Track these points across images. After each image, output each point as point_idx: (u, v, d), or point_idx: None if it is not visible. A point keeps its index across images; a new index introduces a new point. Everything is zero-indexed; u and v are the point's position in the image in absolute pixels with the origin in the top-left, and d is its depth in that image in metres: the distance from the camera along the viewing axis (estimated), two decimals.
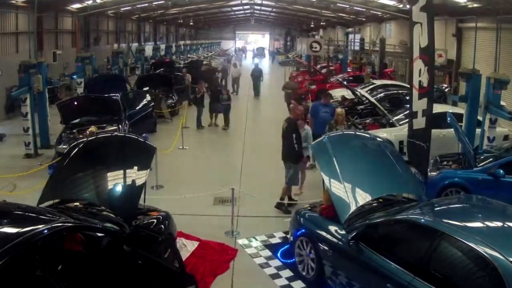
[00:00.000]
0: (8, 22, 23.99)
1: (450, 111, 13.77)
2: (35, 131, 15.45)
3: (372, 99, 18.15)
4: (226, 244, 9.38)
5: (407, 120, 14.37)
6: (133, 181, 7.75)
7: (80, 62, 23.03)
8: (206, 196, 11.37)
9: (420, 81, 10.17)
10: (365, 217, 7.55)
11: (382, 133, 14.09)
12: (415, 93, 10.41)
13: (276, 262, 8.80)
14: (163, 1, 36.99)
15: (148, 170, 8.14)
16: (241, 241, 9.59)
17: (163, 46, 49.85)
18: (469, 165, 11.23)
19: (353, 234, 7.17)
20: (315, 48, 31.24)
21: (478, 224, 6.49)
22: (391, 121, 15.91)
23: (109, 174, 7.88)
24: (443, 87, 23.64)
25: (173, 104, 22.46)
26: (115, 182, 7.78)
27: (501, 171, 10.53)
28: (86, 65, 23.21)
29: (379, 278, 6.51)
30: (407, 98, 18.00)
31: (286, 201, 11.15)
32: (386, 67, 33.64)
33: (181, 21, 56.99)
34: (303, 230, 8.37)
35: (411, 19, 10.40)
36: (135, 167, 7.95)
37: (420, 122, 10.28)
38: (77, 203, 7.94)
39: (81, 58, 23.53)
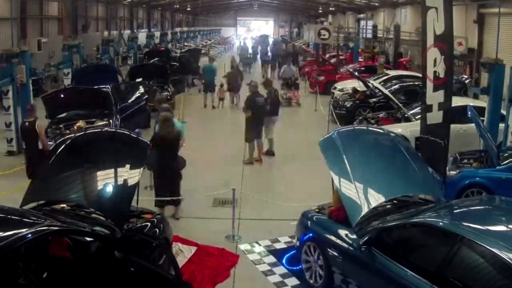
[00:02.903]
0: None
1: (471, 104, 13.74)
2: (18, 126, 15.44)
3: (386, 91, 18.16)
4: (226, 250, 9.38)
5: None
6: (125, 180, 7.74)
7: (67, 51, 23.05)
8: (205, 197, 11.38)
9: (435, 72, 10.10)
10: (378, 220, 7.54)
11: (397, 129, 14.08)
12: (430, 84, 10.34)
13: (281, 269, 8.79)
14: None
15: (142, 168, 8.14)
16: (243, 246, 9.59)
17: (157, 34, 49.87)
18: (491, 163, 11.20)
19: (365, 239, 7.16)
20: (324, 35, 31.24)
21: (501, 228, 6.48)
22: (406, 115, 15.91)
23: (98, 173, 7.87)
24: (463, 78, 23.62)
25: (168, 97, 22.43)
26: (106, 182, 7.77)
27: None
28: (73, 54, 23.24)
29: (394, 287, 6.50)
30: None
31: None
32: (401, 56, 33.60)
33: (177, 6, 57.07)
34: (311, 235, 8.36)
35: (423, 4, 10.31)
36: (127, 166, 7.95)
37: (436, 117, 10.23)
38: (64, 205, 7.93)
39: (68, 46, 23.55)
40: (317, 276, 8.11)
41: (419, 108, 15.73)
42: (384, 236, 7.13)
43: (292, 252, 9.18)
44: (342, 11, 56.87)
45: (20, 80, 15.35)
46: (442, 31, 9.82)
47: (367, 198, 7.67)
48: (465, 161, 11.95)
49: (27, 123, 12.05)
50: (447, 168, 10.84)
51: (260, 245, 9.66)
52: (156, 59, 29.42)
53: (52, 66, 27.52)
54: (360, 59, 35.02)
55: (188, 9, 61.96)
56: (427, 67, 10.32)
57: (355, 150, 8.54)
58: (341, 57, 36.05)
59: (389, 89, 19.30)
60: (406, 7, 38.53)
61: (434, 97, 10.19)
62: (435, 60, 10.04)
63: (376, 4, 43.91)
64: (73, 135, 9.14)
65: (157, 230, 8.19)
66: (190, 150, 16.28)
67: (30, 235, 5.47)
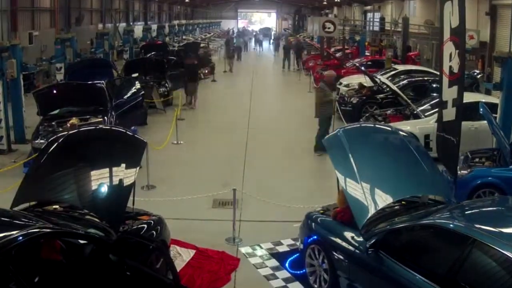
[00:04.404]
0: None
1: (483, 100, 13.72)
2: (8, 123, 15.45)
3: (394, 87, 18.13)
4: (226, 253, 9.38)
5: (433, 111, 14.38)
6: (121, 180, 7.74)
7: (59, 44, 23.06)
8: (204, 198, 11.37)
9: (450, 67, 10.14)
10: (386, 222, 7.54)
11: (405, 126, 14.04)
12: (446, 80, 10.38)
13: (284, 273, 8.78)
14: None
15: (138, 168, 8.14)
16: (244, 249, 9.59)
17: (154, 27, 50.00)
18: (504, 162, 11.18)
19: (372, 242, 7.16)
20: (329, 28, 31.26)
21: None
22: (415, 112, 15.88)
23: (93, 172, 7.87)
24: (475, 73, 23.56)
25: (166, 93, 22.45)
26: (100, 182, 7.77)
27: None
28: (66, 48, 23.26)
29: None
30: (434, 85, 18.08)
31: None
32: (410, 50, 33.53)
33: None
34: (315, 237, 8.36)
35: None
36: (123, 165, 7.94)
37: (450, 113, 10.26)
38: (56, 206, 7.93)
39: (61, 40, 23.55)
40: (321, 281, 8.11)
41: (429, 104, 15.82)
42: (392, 238, 7.13)
43: (295, 255, 9.17)
44: (348, 3, 56.88)
45: (11, 75, 15.36)
46: (457, 24, 9.85)
47: (374, 199, 7.66)
48: (477, 160, 11.91)
49: None
50: (458, 167, 10.85)
51: (262, 248, 9.65)
52: (153, 53, 29.49)
53: (44, 60, 27.53)
54: (366, 53, 34.98)
55: (187, 0, 62.00)
56: (443, 62, 10.36)
57: (361, 149, 8.53)
58: (347, 51, 36.02)
59: (397, 85, 19.27)
60: None
61: (449, 93, 10.24)
62: (450, 55, 10.08)
63: None
64: (66, 132, 9.14)
65: (154, 233, 8.19)
66: (187, 147, 16.35)
67: (21, 238, 5.47)
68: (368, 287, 7.25)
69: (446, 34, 10.25)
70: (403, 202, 8.40)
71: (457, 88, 10.00)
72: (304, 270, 8.56)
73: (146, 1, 57.83)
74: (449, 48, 10.17)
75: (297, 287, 8.38)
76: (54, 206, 7.92)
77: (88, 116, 14.62)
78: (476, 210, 7.45)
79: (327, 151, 8.58)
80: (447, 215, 7.12)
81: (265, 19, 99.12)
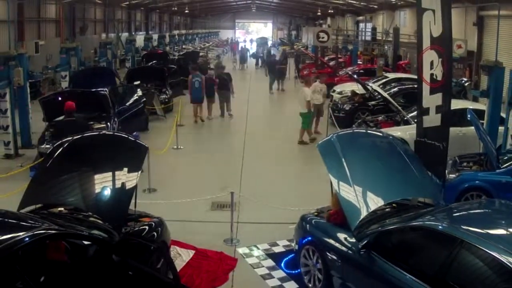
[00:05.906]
0: None
1: (471, 107, 13.75)
2: (15, 129, 15.44)
3: (385, 94, 18.19)
4: (224, 253, 9.37)
5: None
6: (123, 184, 7.75)
7: (64, 53, 23.07)
8: (203, 201, 11.36)
9: (432, 74, 10.06)
10: (377, 223, 7.54)
11: (396, 132, 14.09)
12: (426, 87, 10.29)
13: (280, 273, 8.78)
14: None
15: (140, 172, 8.14)
16: (241, 250, 9.58)
17: (155, 36, 49.99)
18: (491, 166, 11.21)
19: (364, 242, 7.15)
20: (323, 38, 31.33)
21: (501, 232, 6.47)
22: (405, 118, 15.92)
23: (96, 176, 7.88)
24: (463, 81, 23.62)
25: (166, 100, 22.45)
26: (103, 185, 7.78)
27: None
28: (71, 57, 23.28)
29: None
30: None
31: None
32: (401, 59, 33.66)
33: (175, 8, 57.07)
34: (309, 238, 8.36)
35: (419, 6, 10.27)
36: (125, 169, 7.95)
37: (433, 120, 10.20)
38: (61, 208, 7.92)
39: (65, 49, 23.57)
40: (316, 280, 8.11)
41: None
42: (383, 239, 7.13)
43: (290, 255, 9.17)
44: (341, 14, 56.99)
45: (17, 83, 15.35)
46: (439, 33, 9.79)
47: (366, 202, 7.67)
48: (465, 164, 11.95)
49: None
50: (446, 171, 10.86)
51: (258, 248, 9.64)
52: (154, 61, 29.51)
53: (49, 68, 27.48)
54: (359, 62, 35.07)
55: (186, 11, 62.07)
56: (423, 69, 10.29)
57: (354, 153, 8.54)
58: (340, 59, 36.07)
59: (388, 92, 19.31)
60: (405, 10, 38.61)
61: (431, 100, 10.16)
62: (432, 63, 10.00)
63: (375, 6, 43.99)
64: (70, 138, 9.13)
65: (155, 234, 8.18)
66: (186, 152, 16.35)
67: (27, 239, 5.46)
68: (360, 286, 7.26)
69: (426, 43, 10.16)
70: (394, 205, 8.42)
71: (442, 95, 9.92)
72: (299, 270, 8.56)
73: (147, 11, 57.92)
74: (429, 56, 10.05)
75: (292, 286, 8.37)
76: (59, 209, 7.91)
77: (91, 122, 14.61)
78: (464, 213, 7.46)
79: (321, 156, 8.57)
80: (436, 217, 7.13)
81: (262, 29, 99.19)
